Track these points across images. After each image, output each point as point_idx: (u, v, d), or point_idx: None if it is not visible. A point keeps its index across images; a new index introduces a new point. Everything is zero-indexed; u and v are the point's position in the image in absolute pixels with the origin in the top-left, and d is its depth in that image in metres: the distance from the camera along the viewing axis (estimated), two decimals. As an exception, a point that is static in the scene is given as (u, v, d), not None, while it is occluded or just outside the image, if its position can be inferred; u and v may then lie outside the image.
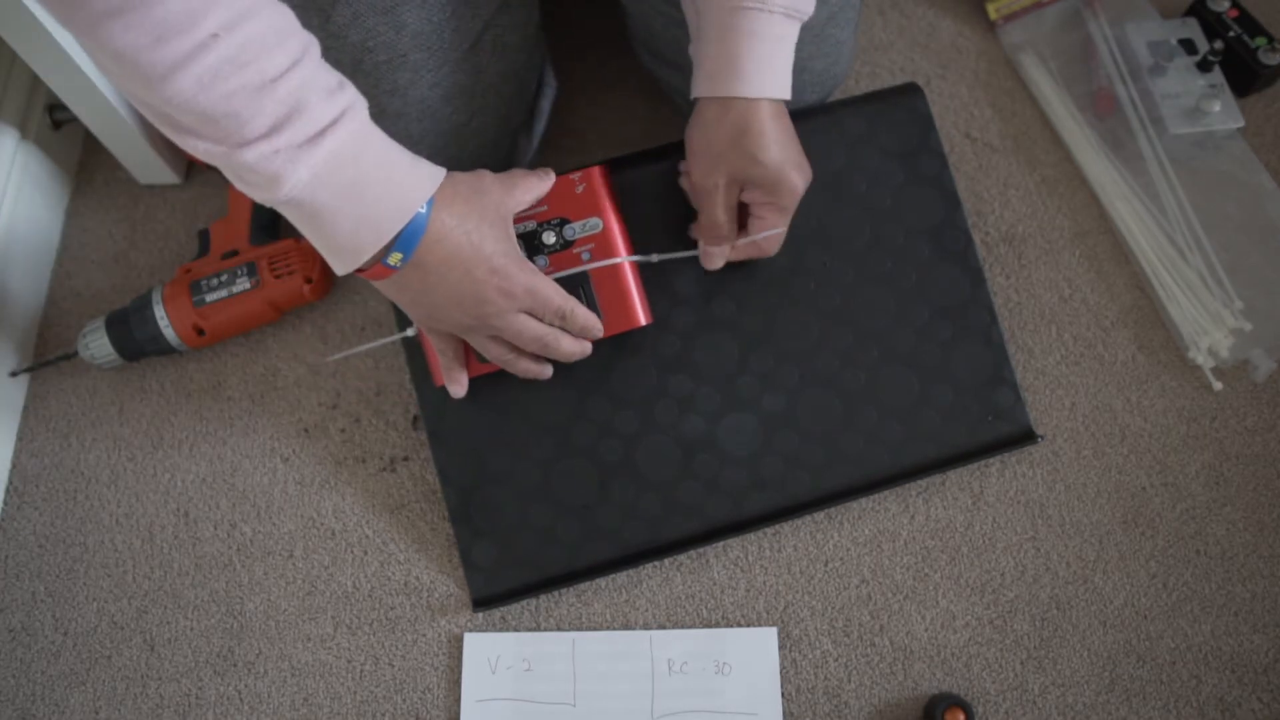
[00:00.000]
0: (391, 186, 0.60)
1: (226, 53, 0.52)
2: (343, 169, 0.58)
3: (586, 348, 0.74)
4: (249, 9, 0.53)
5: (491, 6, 0.75)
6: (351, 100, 0.58)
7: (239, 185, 0.59)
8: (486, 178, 0.68)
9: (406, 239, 0.62)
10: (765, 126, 0.69)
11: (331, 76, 0.58)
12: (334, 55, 0.73)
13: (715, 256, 0.77)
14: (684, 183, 0.77)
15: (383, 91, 0.74)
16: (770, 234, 0.74)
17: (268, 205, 0.59)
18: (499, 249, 0.66)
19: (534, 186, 0.72)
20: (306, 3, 0.72)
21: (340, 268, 0.63)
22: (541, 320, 0.71)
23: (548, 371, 0.77)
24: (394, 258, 0.62)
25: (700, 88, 0.70)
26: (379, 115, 0.75)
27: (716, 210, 0.73)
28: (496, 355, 0.73)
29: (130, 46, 0.50)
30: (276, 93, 0.54)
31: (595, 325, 0.73)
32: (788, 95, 0.69)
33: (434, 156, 0.78)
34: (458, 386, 0.77)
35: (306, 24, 0.72)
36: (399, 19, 0.72)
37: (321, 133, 0.56)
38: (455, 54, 0.74)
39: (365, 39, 0.72)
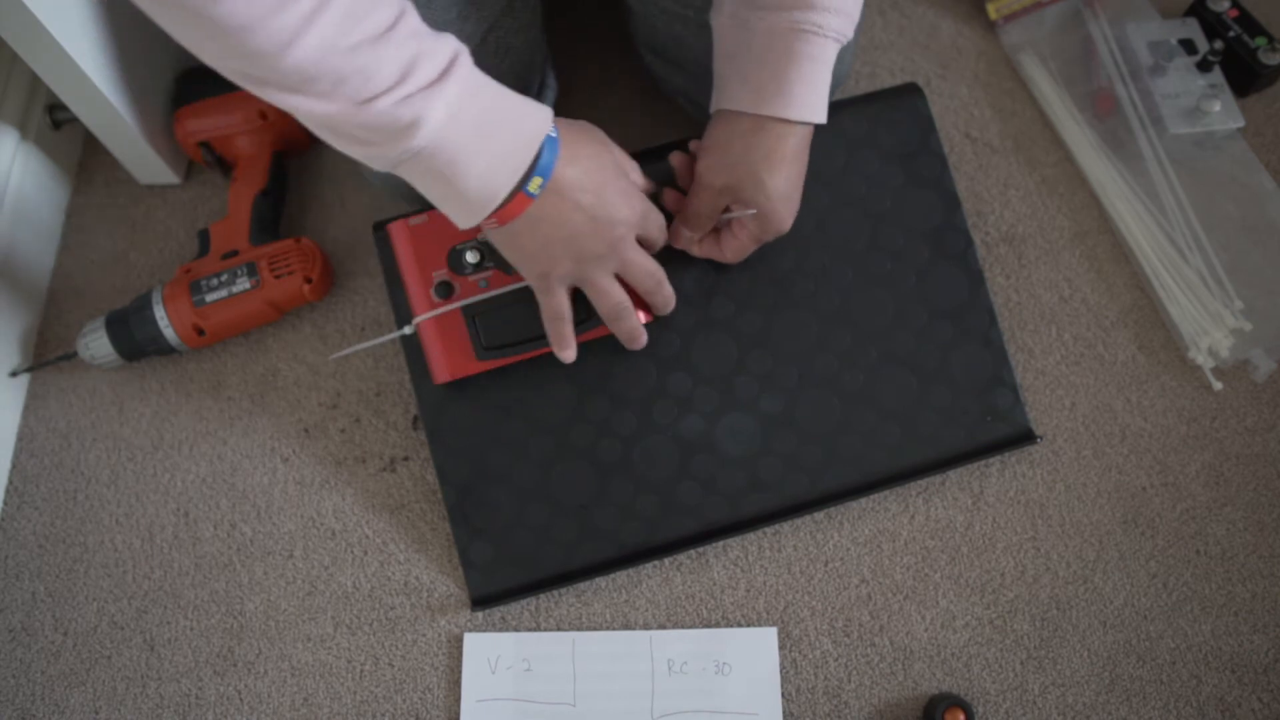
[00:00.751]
0: (517, 115, 0.61)
1: (343, 8, 0.52)
2: (471, 104, 0.58)
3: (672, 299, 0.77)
4: None
5: (496, 8, 0.75)
6: (454, 39, 0.59)
7: (357, 150, 0.59)
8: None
9: (545, 163, 0.62)
10: (788, 156, 0.70)
11: (419, 20, 0.58)
12: None
13: (684, 238, 0.77)
14: (676, 160, 0.77)
15: None
16: (743, 212, 0.74)
17: (388, 168, 0.59)
18: (618, 165, 0.69)
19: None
20: None
21: (470, 218, 0.63)
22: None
23: (644, 339, 0.76)
24: (534, 183, 0.62)
25: (739, 101, 0.70)
26: None
27: (703, 205, 0.74)
28: (614, 305, 0.72)
29: (253, 18, 0.50)
30: (395, 40, 0.54)
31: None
32: (824, 119, 0.70)
33: None
34: (570, 351, 0.75)
35: None
36: None
37: (445, 72, 0.56)
38: None
39: None
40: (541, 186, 0.63)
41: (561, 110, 0.91)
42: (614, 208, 0.67)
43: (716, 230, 0.77)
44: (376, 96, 0.55)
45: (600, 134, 0.70)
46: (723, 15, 0.70)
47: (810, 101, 0.69)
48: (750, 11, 0.68)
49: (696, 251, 0.78)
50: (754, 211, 0.73)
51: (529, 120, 0.62)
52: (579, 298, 0.73)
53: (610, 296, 0.72)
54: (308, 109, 0.55)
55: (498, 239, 0.68)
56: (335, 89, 0.54)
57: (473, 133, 0.59)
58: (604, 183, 0.67)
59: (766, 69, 0.68)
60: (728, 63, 0.71)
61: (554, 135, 0.63)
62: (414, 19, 0.56)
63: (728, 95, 0.71)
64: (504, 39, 0.77)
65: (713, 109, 0.73)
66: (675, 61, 0.83)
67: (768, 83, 0.68)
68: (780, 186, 0.71)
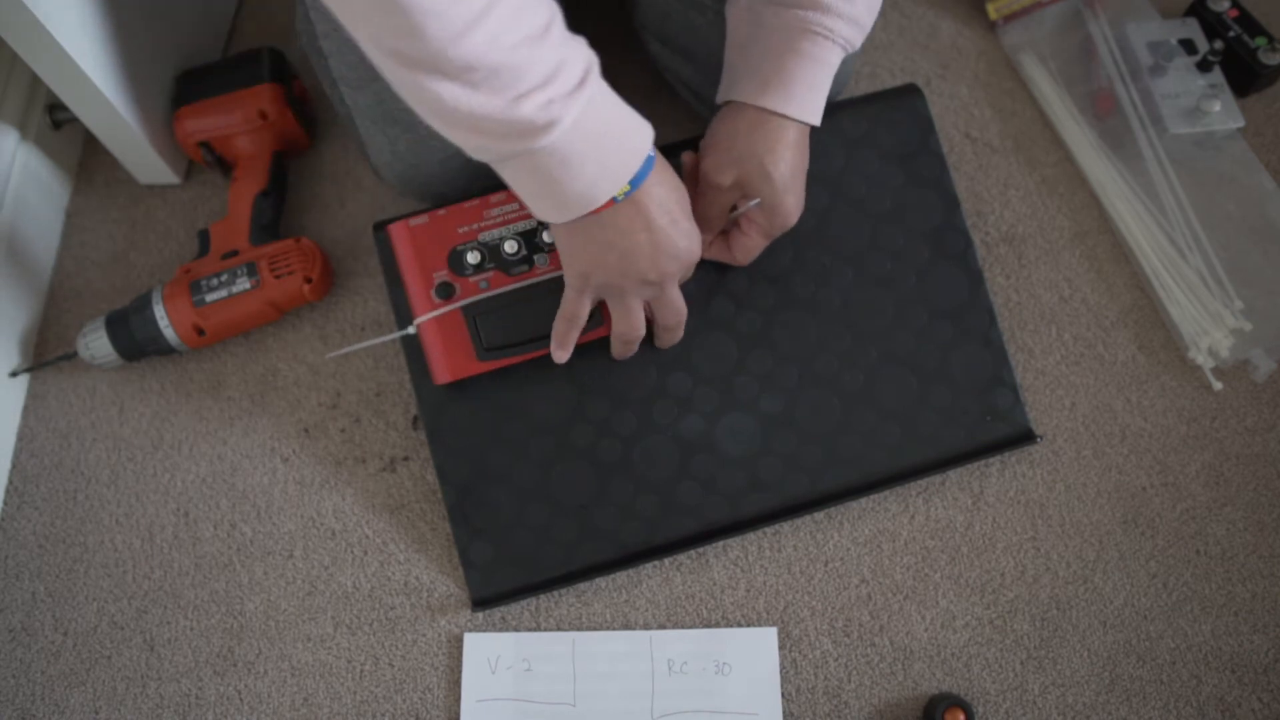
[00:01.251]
0: (629, 128, 0.64)
1: (509, 9, 0.54)
2: (595, 114, 0.61)
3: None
4: None
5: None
6: (587, 47, 0.61)
7: (470, 139, 0.60)
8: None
9: (639, 175, 0.64)
10: (790, 149, 0.71)
11: (563, 25, 0.59)
12: (354, 57, 0.73)
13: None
14: (687, 159, 0.77)
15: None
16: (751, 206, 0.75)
17: (490, 160, 0.61)
18: (688, 202, 0.70)
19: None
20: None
21: (560, 216, 0.65)
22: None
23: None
24: (622, 190, 0.64)
25: (743, 93, 0.71)
26: (409, 109, 0.74)
27: (711, 206, 0.74)
28: (630, 327, 0.73)
29: (434, 8, 0.52)
30: (546, 44, 0.57)
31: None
32: (819, 122, 0.72)
33: (459, 154, 0.78)
34: (565, 353, 0.75)
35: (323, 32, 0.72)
36: None
37: (582, 81, 0.59)
38: None
39: None
40: (626, 195, 0.64)
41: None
42: (678, 239, 0.68)
43: (724, 232, 0.77)
44: (523, 96, 0.56)
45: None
46: (739, 6, 0.72)
47: (808, 102, 0.70)
48: (765, 6, 0.69)
49: (705, 255, 0.78)
50: (758, 201, 0.73)
51: (638, 134, 0.64)
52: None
53: (633, 321, 0.73)
54: (452, 97, 0.56)
55: (559, 230, 0.68)
56: (487, 81, 0.56)
57: (592, 141, 0.61)
58: (679, 215, 0.68)
59: (771, 63, 0.69)
60: (738, 53, 0.72)
61: (652, 154, 0.65)
62: (561, 23, 0.58)
63: (734, 86, 0.72)
64: None
65: (719, 99, 0.74)
66: (684, 52, 0.83)
67: (772, 76, 0.69)
68: (785, 177, 0.72)
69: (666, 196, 0.67)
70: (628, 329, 0.74)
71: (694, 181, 0.76)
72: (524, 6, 0.56)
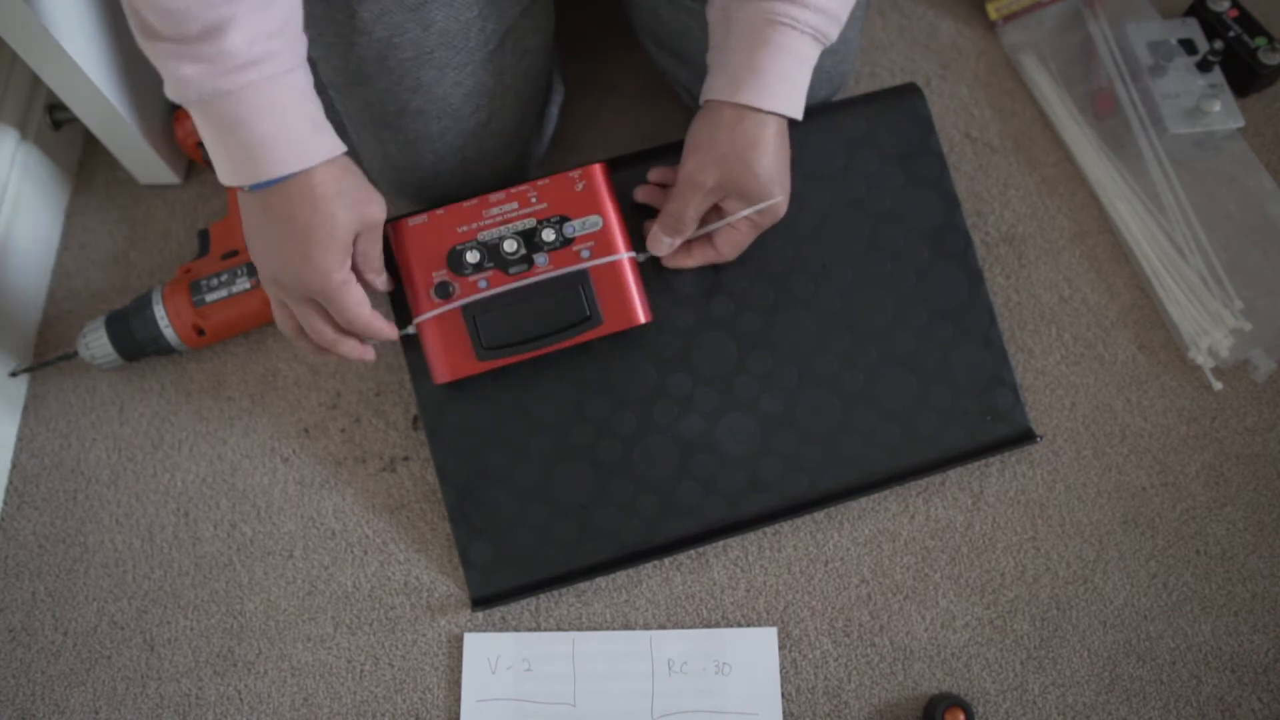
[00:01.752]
0: (269, 145, 0.62)
1: None
2: (233, 108, 0.61)
3: (369, 356, 0.75)
4: None
5: (517, 8, 0.75)
6: (275, 50, 0.61)
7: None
8: (369, 185, 0.69)
9: (260, 184, 0.64)
10: (771, 142, 0.71)
11: (268, 23, 0.60)
12: (359, 50, 0.73)
13: (665, 245, 0.76)
14: (655, 175, 0.78)
15: (405, 88, 0.74)
16: (718, 227, 0.76)
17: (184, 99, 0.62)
18: (324, 241, 0.66)
19: (378, 245, 0.72)
20: None
21: (223, 178, 0.66)
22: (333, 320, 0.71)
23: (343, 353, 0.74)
24: (246, 184, 0.65)
25: (719, 91, 0.70)
26: (400, 112, 0.75)
27: (689, 207, 0.73)
28: (292, 333, 0.73)
29: None
30: (207, 13, 0.58)
31: (362, 356, 0.74)
32: (799, 115, 0.71)
33: (451, 155, 0.78)
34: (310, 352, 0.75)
35: (328, 18, 0.73)
36: (427, 16, 0.72)
37: (228, 70, 0.59)
38: (480, 54, 0.75)
39: (392, 34, 0.72)
40: (249, 190, 0.65)
41: (564, 110, 0.92)
42: (289, 260, 0.67)
43: (697, 240, 0.77)
44: (161, 40, 0.59)
45: (362, 207, 0.68)
46: (713, 7, 0.71)
47: (783, 94, 0.70)
48: (732, 2, 0.69)
49: (689, 262, 0.78)
50: (760, 207, 0.73)
51: (281, 153, 0.63)
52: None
53: (292, 327, 0.73)
54: (143, 45, 0.60)
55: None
56: (160, 23, 0.58)
57: (225, 128, 0.62)
58: (297, 238, 0.66)
59: (742, 57, 0.69)
60: (714, 53, 0.72)
61: (287, 175, 0.63)
62: (251, 8, 0.59)
63: (710, 85, 0.72)
64: (522, 39, 0.77)
65: (700, 100, 0.73)
66: (679, 55, 0.83)
67: (744, 71, 0.69)
68: (769, 171, 0.71)
69: (293, 215, 0.65)
70: (291, 335, 0.73)
71: (659, 197, 0.77)
72: None
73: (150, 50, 0.60)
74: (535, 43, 0.79)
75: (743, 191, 0.72)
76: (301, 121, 0.63)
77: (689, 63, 0.83)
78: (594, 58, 0.99)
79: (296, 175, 0.64)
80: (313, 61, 0.76)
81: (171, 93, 0.61)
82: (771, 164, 0.71)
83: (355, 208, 0.67)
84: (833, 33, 0.69)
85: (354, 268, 0.71)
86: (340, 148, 0.66)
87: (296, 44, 0.63)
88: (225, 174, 0.65)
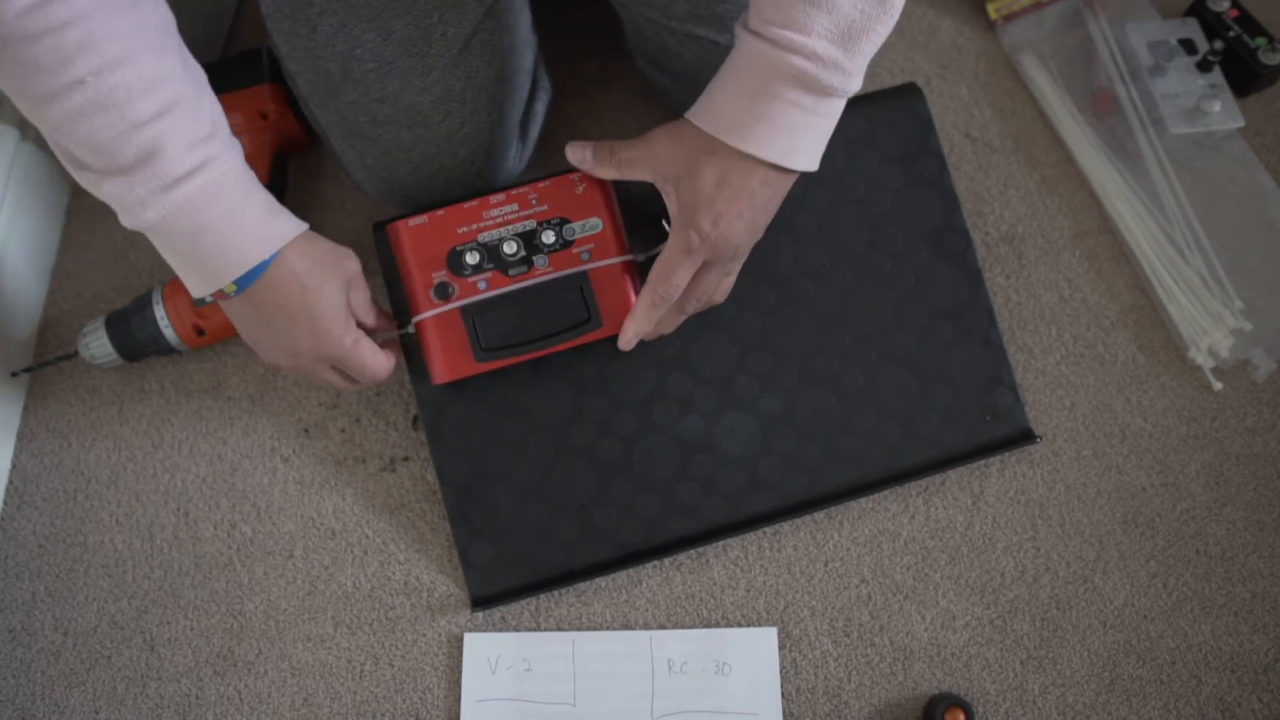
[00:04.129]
0: (235, 239, 0.64)
1: (92, 96, 0.56)
2: (191, 216, 0.62)
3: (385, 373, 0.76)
4: (122, 57, 0.56)
5: (480, 9, 0.75)
6: (214, 153, 0.61)
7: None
8: (334, 244, 0.71)
9: (244, 278, 0.65)
10: (755, 195, 0.65)
11: (199, 128, 0.61)
12: (324, 64, 0.73)
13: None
14: (580, 153, 0.73)
15: (373, 99, 0.74)
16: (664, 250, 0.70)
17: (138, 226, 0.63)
18: (327, 313, 0.69)
19: (365, 286, 0.73)
20: (294, 13, 0.73)
21: (189, 289, 0.67)
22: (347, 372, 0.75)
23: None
24: (230, 287, 0.66)
25: (708, 120, 0.65)
26: (371, 122, 0.75)
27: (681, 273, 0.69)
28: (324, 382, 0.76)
29: (5, 81, 0.56)
30: (137, 138, 0.58)
31: (379, 376, 0.75)
32: (799, 165, 0.65)
33: (427, 163, 0.78)
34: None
35: (294, 34, 0.74)
36: (386, 25, 0.72)
37: (175, 182, 0.60)
38: (444, 59, 0.74)
39: (353, 47, 0.72)
40: (236, 293, 0.66)
41: (561, 111, 0.92)
42: (299, 342, 0.69)
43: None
44: (108, 178, 0.60)
45: (338, 266, 0.69)
46: (738, 25, 0.65)
47: (767, 140, 0.63)
48: (744, 29, 0.63)
49: (669, 326, 0.76)
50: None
51: (246, 247, 0.64)
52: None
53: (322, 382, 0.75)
54: (69, 169, 0.61)
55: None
56: (80, 157, 0.60)
57: (186, 240, 0.63)
58: (301, 319, 0.68)
59: (732, 93, 0.63)
60: (715, 77, 0.66)
61: (266, 260, 0.65)
62: (172, 119, 0.59)
63: (696, 107, 0.66)
64: (490, 40, 0.76)
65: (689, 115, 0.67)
66: (664, 68, 0.84)
67: (736, 111, 0.63)
68: (707, 189, 0.65)
69: (288, 300, 0.67)
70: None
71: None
72: (119, 95, 0.56)
73: (88, 181, 0.60)
74: (506, 44, 0.78)
75: (672, 194, 0.68)
76: (258, 210, 0.65)
77: (670, 74, 0.84)
78: (591, 57, 0.99)
79: (271, 262, 0.65)
80: (293, 76, 0.77)
81: (128, 221, 0.62)
82: (711, 185, 0.65)
83: (335, 271, 0.69)
84: (834, 81, 0.61)
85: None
86: (298, 224, 0.68)
87: (229, 138, 0.64)
88: (201, 285, 0.66)
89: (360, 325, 0.73)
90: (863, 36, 0.60)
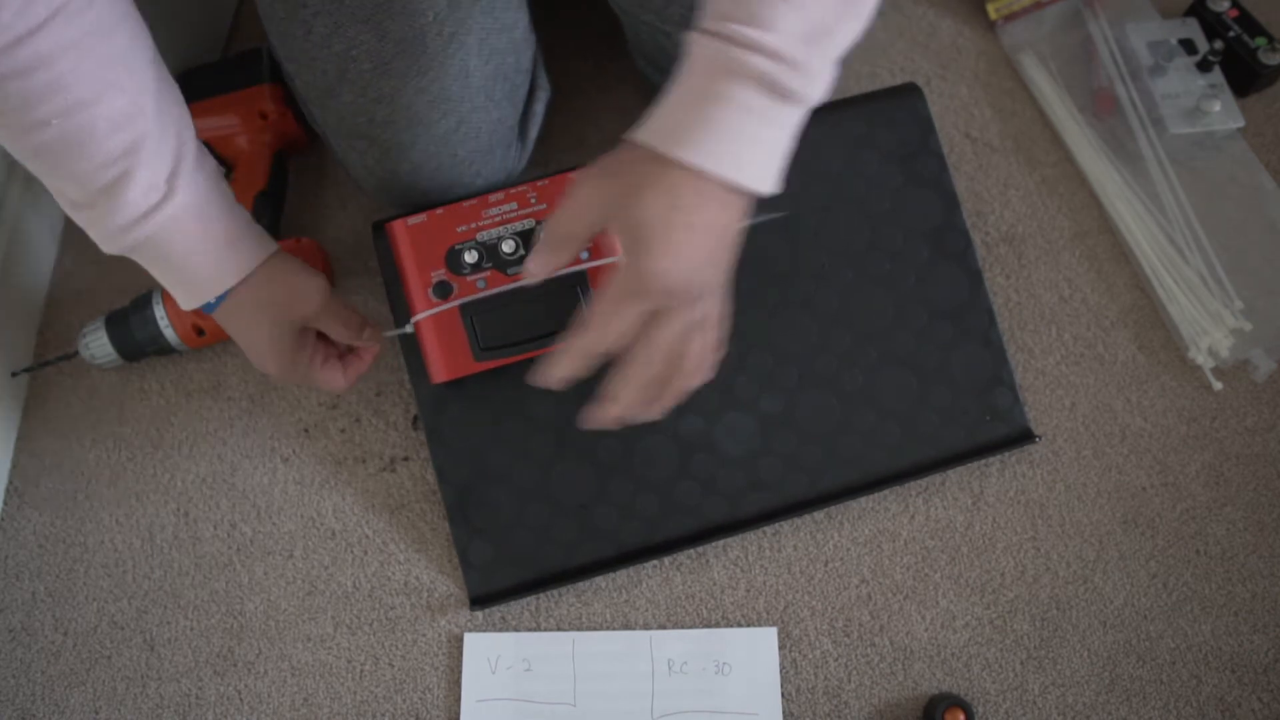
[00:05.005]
0: (192, 273, 0.68)
1: (58, 135, 0.59)
2: (152, 250, 0.65)
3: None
4: (89, 99, 0.58)
5: (475, 8, 0.75)
6: (174, 188, 0.63)
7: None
8: (300, 279, 0.72)
9: (207, 305, 0.70)
10: (687, 201, 0.55)
11: (160, 167, 0.62)
12: (319, 66, 0.74)
13: (534, 269, 0.63)
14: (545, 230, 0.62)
15: (370, 100, 0.74)
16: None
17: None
18: (271, 349, 0.72)
19: (339, 316, 0.75)
20: (289, 15, 0.73)
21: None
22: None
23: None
24: (202, 303, 0.70)
25: (651, 133, 0.57)
26: (369, 123, 0.75)
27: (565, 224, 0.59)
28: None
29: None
30: (100, 178, 0.61)
31: (337, 391, 0.79)
32: (754, 186, 0.56)
33: (427, 163, 0.78)
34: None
35: (289, 36, 0.74)
36: (380, 26, 0.72)
37: (133, 223, 0.63)
38: (440, 58, 0.74)
39: (348, 48, 0.72)
40: (211, 309, 0.70)
41: (561, 111, 0.92)
42: (262, 362, 0.73)
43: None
44: (75, 209, 0.63)
45: (285, 305, 0.71)
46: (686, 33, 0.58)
47: (717, 151, 0.54)
48: (691, 33, 0.56)
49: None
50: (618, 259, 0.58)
51: (201, 281, 0.68)
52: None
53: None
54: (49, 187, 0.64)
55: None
56: (50, 184, 0.63)
57: (151, 264, 0.67)
58: (254, 347, 0.73)
59: (680, 102, 0.56)
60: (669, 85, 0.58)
61: (223, 294, 0.69)
62: (134, 160, 0.61)
63: (639, 124, 0.57)
64: (487, 40, 0.76)
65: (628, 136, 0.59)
66: (662, 69, 0.84)
67: (681, 117, 0.55)
68: (654, 219, 0.55)
69: (244, 328, 0.72)
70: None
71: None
72: (83, 136, 0.59)
73: (62, 204, 0.64)
74: (502, 42, 0.77)
75: (615, 232, 0.58)
76: (214, 246, 0.67)
77: (666, 73, 0.83)
78: (591, 57, 0.99)
79: (226, 296, 0.69)
80: (291, 76, 0.77)
81: (101, 247, 0.65)
82: (695, 247, 0.56)
83: (284, 313, 0.72)
84: (797, 86, 0.54)
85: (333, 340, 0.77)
86: (260, 254, 0.69)
87: (194, 173, 0.65)
88: (180, 300, 0.70)
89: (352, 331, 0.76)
90: (828, 38, 0.54)
